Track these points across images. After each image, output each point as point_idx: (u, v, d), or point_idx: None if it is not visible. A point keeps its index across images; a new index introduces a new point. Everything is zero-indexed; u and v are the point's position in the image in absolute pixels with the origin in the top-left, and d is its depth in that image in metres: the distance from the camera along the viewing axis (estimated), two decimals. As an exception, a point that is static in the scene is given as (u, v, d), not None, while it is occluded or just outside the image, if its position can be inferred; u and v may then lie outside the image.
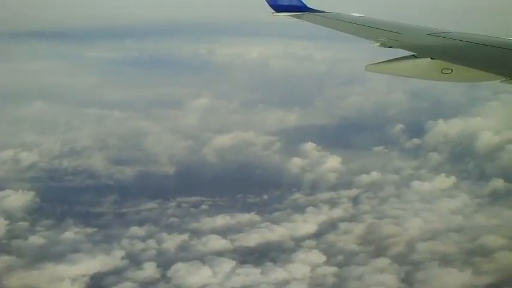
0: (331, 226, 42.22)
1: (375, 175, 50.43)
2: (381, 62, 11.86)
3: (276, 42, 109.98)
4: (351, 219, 43.29)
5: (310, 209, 44.63)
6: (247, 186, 48.40)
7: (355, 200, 46.50)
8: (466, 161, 54.22)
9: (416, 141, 59.11)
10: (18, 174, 52.13)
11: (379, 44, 12.63)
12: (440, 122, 61.85)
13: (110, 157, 55.54)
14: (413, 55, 11.44)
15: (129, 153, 57.24)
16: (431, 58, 10.99)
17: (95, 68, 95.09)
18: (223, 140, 59.81)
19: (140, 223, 42.40)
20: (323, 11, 16.27)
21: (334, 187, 49.11)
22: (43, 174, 52.43)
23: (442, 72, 10.79)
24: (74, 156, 55.83)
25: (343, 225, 42.02)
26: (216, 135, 60.52)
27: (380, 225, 42.16)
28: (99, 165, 54.05)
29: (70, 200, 46.52)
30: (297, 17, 15.93)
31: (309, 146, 56.80)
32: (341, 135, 60.94)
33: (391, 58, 11.80)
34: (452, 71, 10.68)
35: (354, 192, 47.90)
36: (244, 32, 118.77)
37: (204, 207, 45.25)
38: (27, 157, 54.64)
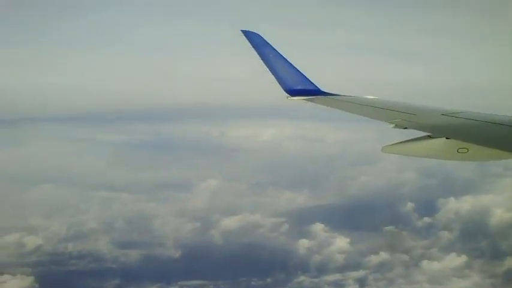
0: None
1: (383, 255, 50.04)
2: (396, 143, 12.01)
3: (289, 124, 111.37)
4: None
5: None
6: (252, 268, 47.98)
7: (361, 282, 45.79)
8: (479, 239, 53.79)
9: (427, 219, 58.82)
10: (20, 258, 51.89)
11: (394, 125, 12.74)
12: (451, 199, 61.44)
13: (116, 240, 55.40)
14: (428, 135, 11.53)
15: (135, 236, 57.13)
16: (446, 138, 11.09)
17: (106, 151, 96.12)
18: (230, 223, 59.71)
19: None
20: (337, 94, 16.59)
21: (341, 269, 48.40)
22: (46, 258, 52.26)
23: (458, 151, 10.87)
24: (80, 240, 55.75)
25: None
26: (223, 217, 60.37)
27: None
28: (104, 249, 53.90)
29: (71, 284, 45.95)
30: (311, 100, 16.22)
31: (317, 227, 56.71)
32: (351, 216, 60.50)
33: (405, 139, 11.95)
34: (468, 150, 10.75)
35: (361, 273, 47.26)
36: (257, 114, 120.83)
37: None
38: (32, 241, 54.62)
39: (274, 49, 16.37)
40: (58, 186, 72.45)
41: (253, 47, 16.25)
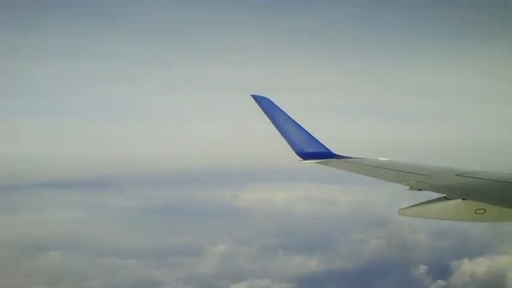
0: None
1: None
2: (412, 206, 11.81)
3: (300, 187, 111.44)
4: None
5: None
6: None
7: None
8: None
9: (441, 282, 57.35)
10: None
11: (408, 187, 12.56)
12: (466, 261, 60.29)
13: None
14: (443, 197, 11.31)
15: None
16: (463, 199, 10.86)
17: (116, 217, 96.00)
18: None
19: None
20: (349, 157, 16.56)
21: None
22: None
23: (475, 212, 10.61)
24: None
25: None
26: (231, 283, 59.39)
27: None
28: None
29: None
30: (324, 163, 16.19)
31: None
32: (362, 280, 59.51)
33: (419, 201, 11.75)
34: (486, 211, 10.50)
35: None
36: (269, 177, 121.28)
37: None
38: None
39: (285, 113, 16.51)
40: (65, 253, 71.75)
41: (264, 111, 16.40)
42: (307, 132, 16.61)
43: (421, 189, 12.13)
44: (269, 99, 16.58)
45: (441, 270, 59.62)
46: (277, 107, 16.52)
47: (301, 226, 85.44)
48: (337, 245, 73.36)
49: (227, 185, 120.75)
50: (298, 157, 16.38)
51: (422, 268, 60.37)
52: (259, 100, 16.50)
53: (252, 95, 16.58)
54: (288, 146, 16.38)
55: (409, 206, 11.86)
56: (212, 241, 75.14)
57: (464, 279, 57.63)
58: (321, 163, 16.18)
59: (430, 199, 11.74)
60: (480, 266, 59.39)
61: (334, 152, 16.67)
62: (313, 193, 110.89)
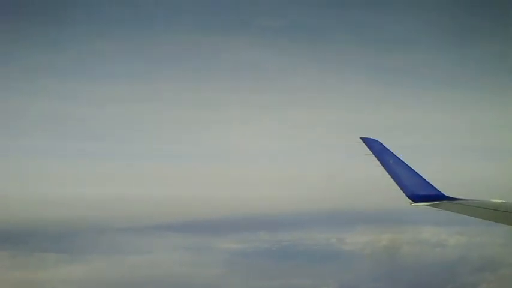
0: None
1: None
2: None
3: (411, 230, 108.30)
4: None
5: None
6: None
7: None
8: None
9: None
10: None
11: None
12: None
13: None
14: None
15: None
16: None
17: (221, 260, 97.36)
18: None
19: None
20: (461, 199, 16.31)
21: None
22: None
23: None
24: None
25: None
26: None
27: None
28: None
29: None
30: (435, 206, 16.03)
31: None
32: None
33: None
34: None
35: None
36: (379, 220, 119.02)
37: None
38: None
39: (395, 155, 16.58)
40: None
41: (374, 153, 16.55)
42: (418, 174, 16.57)
43: None
44: (379, 141, 16.76)
45: None
46: (387, 149, 16.66)
47: (409, 269, 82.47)
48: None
49: (334, 228, 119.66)
50: (408, 199, 16.39)
51: None
52: (369, 142, 16.71)
53: (361, 138, 16.84)
54: (398, 188, 16.44)
55: None
56: (318, 285, 74.09)
57: None
58: (432, 205, 16.05)
59: None
60: None
61: (445, 194, 16.51)
62: (422, 236, 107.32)
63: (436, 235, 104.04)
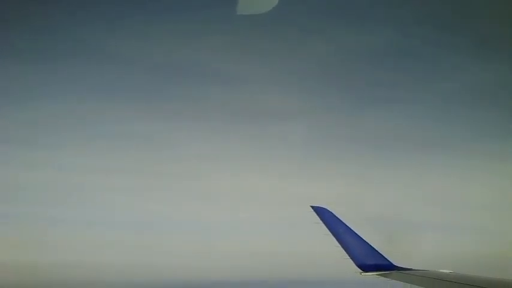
0: None
1: None
2: None
3: None
4: None
5: None
6: None
7: None
8: None
9: None
10: None
11: None
12: None
13: None
14: None
15: None
16: None
17: None
18: None
19: None
20: (411, 269, 16.03)
21: None
22: None
23: None
24: None
25: None
26: None
27: None
28: None
29: None
30: (385, 275, 15.68)
31: None
32: None
33: None
34: None
35: None
36: None
37: None
38: None
39: (344, 224, 16.30)
40: None
41: (323, 222, 16.22)
42: (367, 243, 16.29)
43: None
44: (329, 210, 16.47)
45: None
46: (337, 217, 16.37)
47: None
48: None
49: None
50: (358, 269, 15.99)
51: None
52: (319, 211, 16.39)
53: (311, 206, 16.50)
54: (348, 257, 16.04)
55: None
56: None
57: None
58: (382, 275, 15.70)
59: None
60: None
61: (395, 264, 16.21)
62: None
63: None
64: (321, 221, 16.33)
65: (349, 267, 15.87)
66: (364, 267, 15.97)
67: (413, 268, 16.03)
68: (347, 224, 16.33)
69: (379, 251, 16.27)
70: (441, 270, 15.39)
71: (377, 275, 15.79)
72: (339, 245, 16.15)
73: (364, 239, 16.30)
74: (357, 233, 16.31)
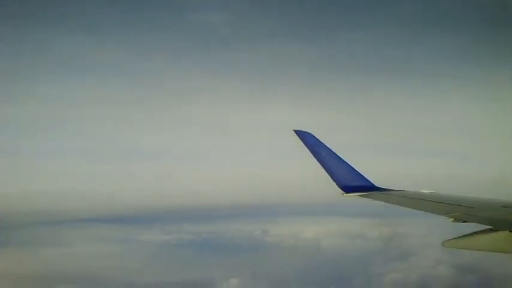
0: None
1: None
2: (457, 238, 11.43)
3: (338, 221, 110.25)
4: None
5: None
6: None
7: None
8: None
9: None
10: None
11: (452, 219, 12.27)
12: None
13: None
14: (490, 229, 11.00)
15: None
16: (510, 231, 10.58)
17: (145, 251, 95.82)
18: None
19: None
20: (392, 189, 16.37)
21: None
22: None
23: None
24: None
25: None
26: None
27: None
28: None
29: None
30: (366, 196, 16.00)
31: None
32: None
33: (457, 234, 11.42)
34: None
35: None
36: (308, 212, 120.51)
37: None
38: None
39: (327, 147, 16.43)
40: (79, 287, 70.63)
41: (306, 145, 16.32)
42: (350, 166, 16.50)
43: (465, 221, 11.86)
44: (311, 134, 16.54)
45: None
46: (320, 141, 16.46)
47: (324, 261, 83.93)
48: (354, 280, 71.38)
49: (261, 220, 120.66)
50: (340, 190, 16.27)
51: None
52: (302, 135, 16.46)
53: (294, 130, 16.54)
54: (330, 179, 16.26)
55: (454, 238, 11.52)
56: (227, 276, 73.52)
57: None
58: (363, 196, 16.00)
59: (473, 231, 11.44)
60: None
61: (376, 185, 16.52)
62: (348, 228, 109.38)
63: (360, 227, 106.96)
64: (304, 145, 16.41)
65: (332, 189, 16.15)
66: (346, 189, 16.23)
67: (394, 189, 16.39)
68: (329, 148, 16.46)
69: (360, 172, 16.54)
70: (421, 191, 15.77)
71: (358, 195, 16.11)
72: (322, 168, 16.33)
73: (346, 161, 16.51)
74: (339, 156, 16.48)
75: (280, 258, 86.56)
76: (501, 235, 10.68)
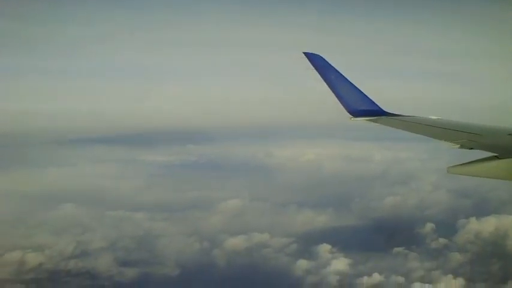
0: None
1: (377, 277, 47.93)
2: (462, 164, 11.31)
3: (344, 145, 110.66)
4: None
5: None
6: None
7: None
8: (492, 261, 50.66)
9: (443, 241, 56.04)
10: (18, 275, 50.53)
11: (459, 145, 12.24)
12: (473, 220, 59.05)
13: (119, 259, 53.98)
14: (495, 156, 10.93)
15: (138, 255, 55.34)
16: None
17: (145, 171, 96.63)
18: (237, 242, 57.74)
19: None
20: (400, 115, 16.29)
21: None
22: (44, 276, 50.95)
23: None
24: (83, 258, 54.44)
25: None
26: (230, 237, 58.45)
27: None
28: (103, 267, 52.37)
29: None
30: (374, 121, 15.91)
31: (324, 248, 54.71)
32: (365, 237, 58.27)
33: (459, 161, 11.39)
34: None
35: None
36: (315, 134, 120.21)
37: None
38: (35, 258, 53.54)
39: (337, 71, 16.14)
40: (79, 205, 71.50)
41: (316, 68, 16.02)
42: (359, 90, 16.29)
43: (472, 148, 11.83)
44: (321, 57, 16.20)
45: (448, 229, 58.06)
46: (329, 64, 16.16)
47: (325, 183, 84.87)
48: (354, 202, 72.79)
49: (266, 143, 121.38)
50: (348, 114, 16.19)
51: (429, 226, 59.03)
52: (312, 57, 16.11)
53: (304, 52, 16.20)
54: (338, 103, 16.16)
55: (459, 164, 11.29)
56: (228, 196, 74.59)
57: (469, 238, 56.01)
58: (371, 120, 15.93)
59: (478, 158, 11.41)
60: (488, 225, 57.99)
61: (384, 110, 16.42)
62: (351, 151, 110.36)
63: (366, 150, 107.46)
64: (313, 68, 16.16)
65: (340, 112, 16.08)
66: (354, 113, 16.13)
67: (402, 114, 16.31)
68: (339, 71, 16.22)
69: (369, 97, 16.39)
70: (429, 117, 15.70)
71: (366, 120, 16.03)
72: (331, 91, 16.18)
73: (355, 85, 16.32)
74: (348, 79, 16.27)
75: (281, 180, 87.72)
76: (506, 162, 10.54)
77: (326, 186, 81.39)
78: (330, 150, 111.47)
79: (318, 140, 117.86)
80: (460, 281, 46.08)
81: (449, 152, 12.55)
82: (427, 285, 45.89)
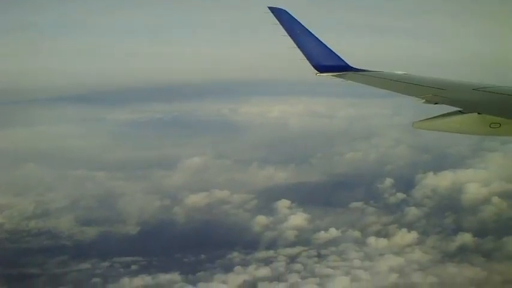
0: (250, 286, 40.28)
1: (333, 232, 48.37)
2: (427, 119, 11.36)
3: (304, 101, 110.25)
4: (274, 279, 41.02)
5: (237, 268, 42.31)
6: (196, 245, 46.08)
7: (292, 259, 43.91)
8: (446, 215, 51.70)
9: (400, 195, 56.63)
10: None
11: (424, 100, 12.24)
12: (430, 175, 60.11)
13: (79, 218, 53.28)
14: (459, 111, 10.96)
15: (99, 214, 54.72)
16: (478, 113, 10.65)
17: (110, 130, 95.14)
18: (197, 199, 57.50)
19: (64, 284, 40.99)
20: (366, 70, 16.14)
21: (291, 243, 46.84)
22: (4, 236, 50.23)
23: (490, 126, 10.33)
24: (43, 218, 53.54)
25: (262, 286, 40.16)
26: (190, 194, 58.07)
27: (301, 285, 39.97)
28: (64, 226, 51.69)
29: (17, 261, 44.28)
30: (340, 76, 15.74)
31: (282, 204, 54.87)
32: (324, 192, 58.84)
33: (425, 116, 11.42)
34: (500, 125, 10.22)
35: (295, 250, 45.49)
36: (279, 91, 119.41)
37: (134, 267, 43.28)
38: None
39: (303, 25, 15.77)
40: (40, 165, 70.32)
41: (281, 23, 15.62)
42: (324, 45, 16.01)
43: (437, 103, 11.85)
44: (287, 11, 15.79)
45: (406, 184, 58.85)
46: (294, 18, 15.79)
47: (288, 139, 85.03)
48: (315, 158, 73.11)
49: (230, 99, 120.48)
50: (314, 70, 15.92)
51: (388, 181, 59.72)
52: (276, 12, 15.70)
53: (268, 7, 15.76)
54: (304, 59, 15.83)
55: (424, 119, 11.33)
56: (191, 154, 74.16)
57: (425, 193, 56.61)
58: (337, 76, 15.75)
59: (443, 113, 11.45)
60: (444, 180, 59.23)
61: (350, 65, 16.22)
62: (316, 107, 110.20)
63: (331, 106, 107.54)
64: (278, 22, 15.75)
65: (307, 68, 15.79)
66: (320, 68, 15.89)
67: (368, 69, 16.16)
68: (304, 26, 15.84)
69: (335, 52, 16.15)
70: (395, 72, 15.61)
71: (332, 75, 15.84)
72: (296, 47, 15.84)
73: (321, 40, 16.01)
74: (314, 34, 15.93)
75: (246, 137, 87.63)
76: (470, 117, 10.64)
77: (289, 143, 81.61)
78: (296, 107, 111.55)
79: (285, 97, 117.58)
80: (414, 234, 47.02)
81: (415, 108, 12.56)
82: (381, 239, 46.46)
